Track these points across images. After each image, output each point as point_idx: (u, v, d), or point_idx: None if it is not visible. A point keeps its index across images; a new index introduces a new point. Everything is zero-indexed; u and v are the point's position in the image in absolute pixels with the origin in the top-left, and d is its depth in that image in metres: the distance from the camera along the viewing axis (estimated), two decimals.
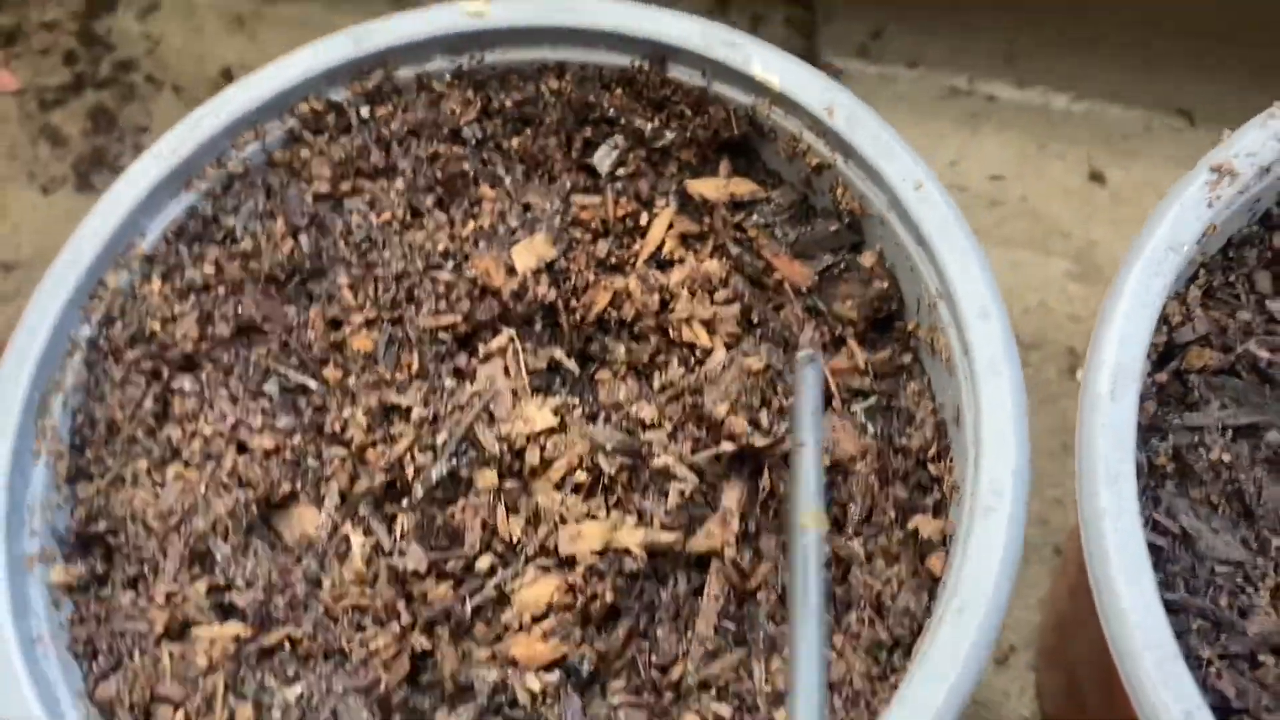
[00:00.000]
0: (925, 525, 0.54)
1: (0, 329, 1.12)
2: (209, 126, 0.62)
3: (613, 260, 0.65)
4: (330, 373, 0.62)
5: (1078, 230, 1.07)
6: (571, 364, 0.63)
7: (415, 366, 0.62)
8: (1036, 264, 1.05)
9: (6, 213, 1.18)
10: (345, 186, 0.65)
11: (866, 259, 0.61)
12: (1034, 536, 0.91)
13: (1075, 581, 0.74)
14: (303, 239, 0.64)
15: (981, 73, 1.13)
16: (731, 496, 0.55)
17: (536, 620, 0.55)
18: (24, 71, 1.26)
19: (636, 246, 0.65)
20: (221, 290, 0.63)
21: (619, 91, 0.66)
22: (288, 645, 0.55)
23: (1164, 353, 0.57)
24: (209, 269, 0.63)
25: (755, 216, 0.64)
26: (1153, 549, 0.50)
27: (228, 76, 1.24)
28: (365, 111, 0.66)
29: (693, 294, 0.62)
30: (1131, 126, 1.11)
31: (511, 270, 0.63)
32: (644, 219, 0.65)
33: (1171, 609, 0.50)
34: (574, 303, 0.64)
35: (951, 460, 0.56)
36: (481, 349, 0.63)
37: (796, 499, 0.45)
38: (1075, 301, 1.03)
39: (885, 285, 0.60)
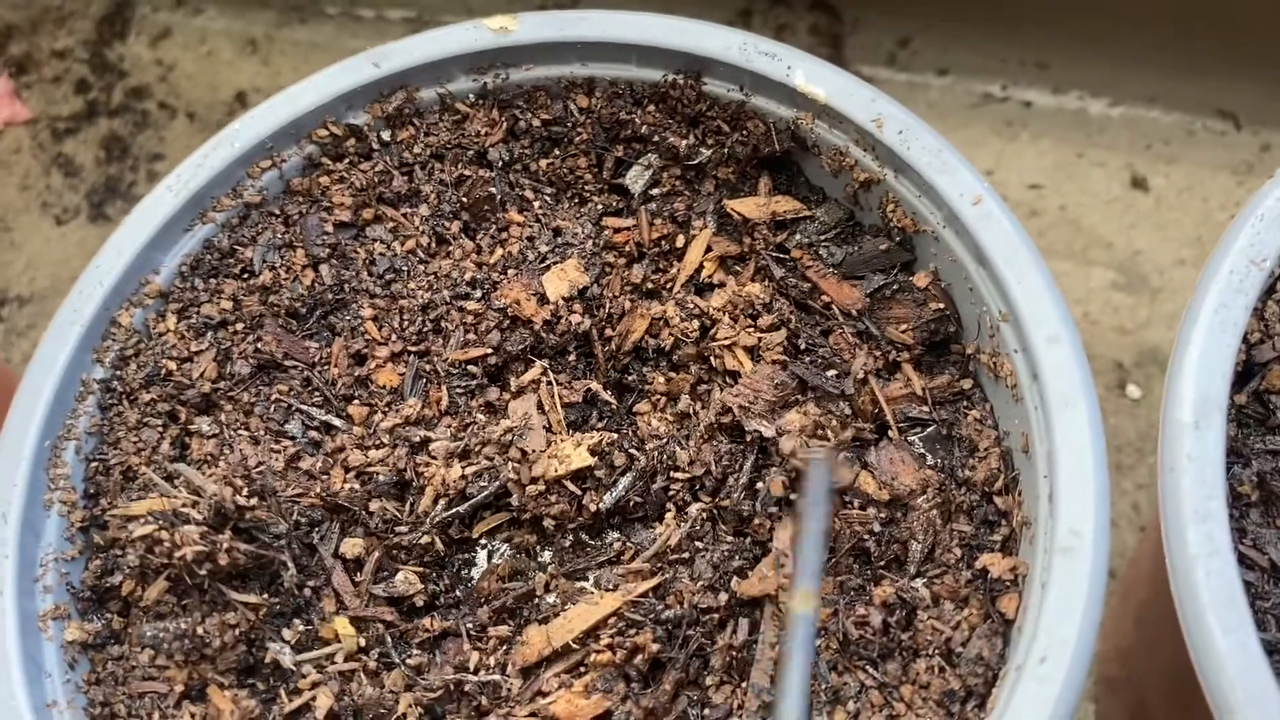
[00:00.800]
0: (994, 564, 0.51)
1: (16, 364, 1.10)
2: (223, 155, 0.60)
3: (649, 285, 0.62)
4: (355, 410, 0.59)
5: (1120, 239, 1.03)
6: (608, 396, 0.60)
7: (444, 402, 0.59)
8: (1079, 275, 1.01)
9: (20, 245, 1.16)
10: (367, 214, 0.62)
11: (920, 279, 0.57)
12: None
13: (1142, 611, 0.70)
14: (323, 270, 0.61)
15: (1015, 79, 1.10)
16: (783, 537, 0.51)
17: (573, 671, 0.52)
18: (36, 101, 1.24)
19: (673, 270, 0.62)
20: (240, 326, 0.60)
21: (651, 108, 0.62)
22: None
23: (1242, 372, 0.53)
24: (226, 304, 0.60)
25: (798, 236, 0.61)
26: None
27: (241, 101, 1.22)
28: (386, 135, 0.63)
29: (735, 319, 0.59)
30: (1173, 131, 1.07)
31: (543, 299, 0.60)
32: (680, 241, 0.62)
33: (1265, 649, 0.46)
34: (609, 331, 0.61)
35: (1020, 494, 0.52)
36: (513, 382, 0.59)
37: (793, 580, 0.49)
38: (1121, 313, 1.00)
39: (941, 306, 0.57)
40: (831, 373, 0.57)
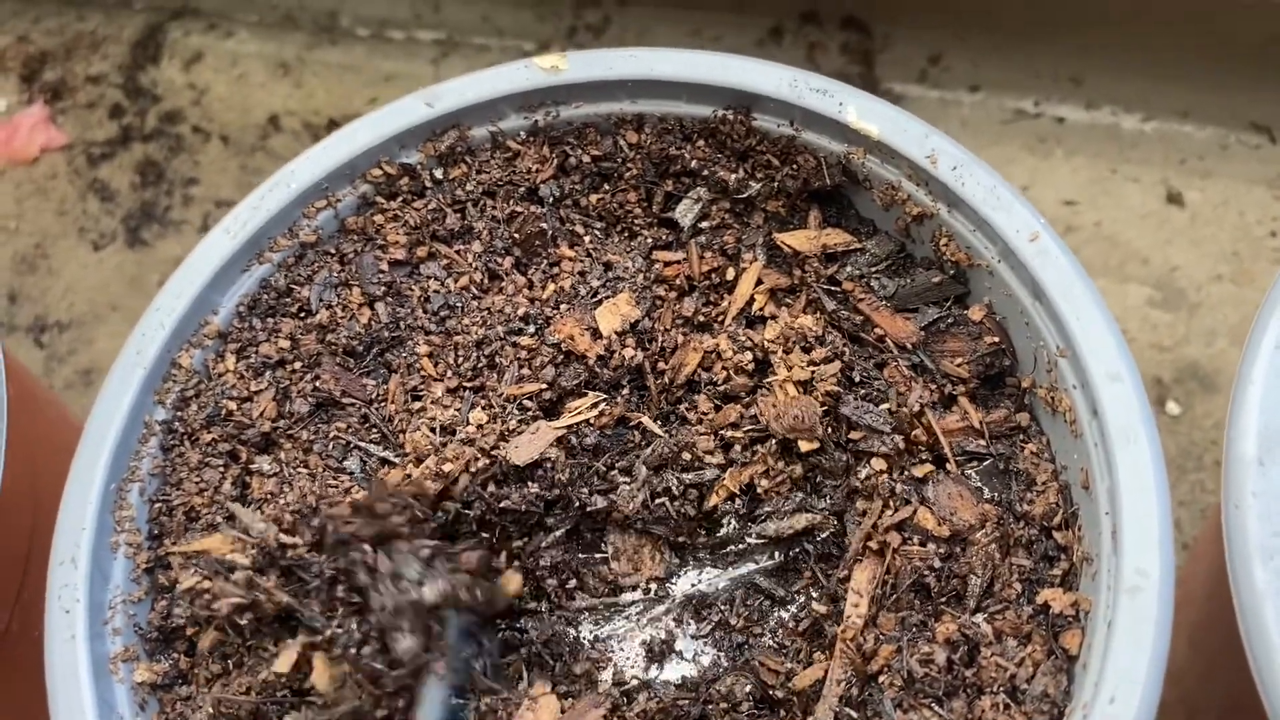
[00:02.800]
0: (1056, 599, 0.51)
1: (59, 389, 1.11)
2: (280, 196, 0.60)
3: (700, 318, 0.62)
4: (411, 445, 0.59)
5: (1157, 255, 1.03)
6: (659, 430, 0.60)
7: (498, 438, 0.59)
8: (1115, 292, 1.01)
9: (58, 270, 1.17)
10: (421, 251, 0.63)
11: (975, 312, 0.58)
12: None
13: (1195, 633, 0.70)
14: (379, 308, 0.61)
15: (1048, 94, 1.10)
16: (861, 577, 0.52)
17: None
18: (71, 126, 1.25)
19: (724, 303, 0.62)
20: (298, 365, 0.60)
21: (701, 143, 0.63)
22: None
23: None
24: (284, 343, 0.60)
25: (849, 268, 0.61)
26: None
27: (274, 124, 1.23)
28: (439, 173, 0.63)
29: (788, 352, 0.59)
30: (1207, 145, 1.07)
31: (596, 333, 0.60)
32: (730, 274, 0.63)
33: None
34: (662, 365, 0.61)
35: (1080, 529, 0.52)
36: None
37: None
38: (1159, 329, 1.00)
39: (996, 340, 0.57)
40: (884, 406, 0.57)
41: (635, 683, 0.56)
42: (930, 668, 0.50)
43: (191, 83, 1.26)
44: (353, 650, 0.51)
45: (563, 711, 0.53)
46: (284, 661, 0.51)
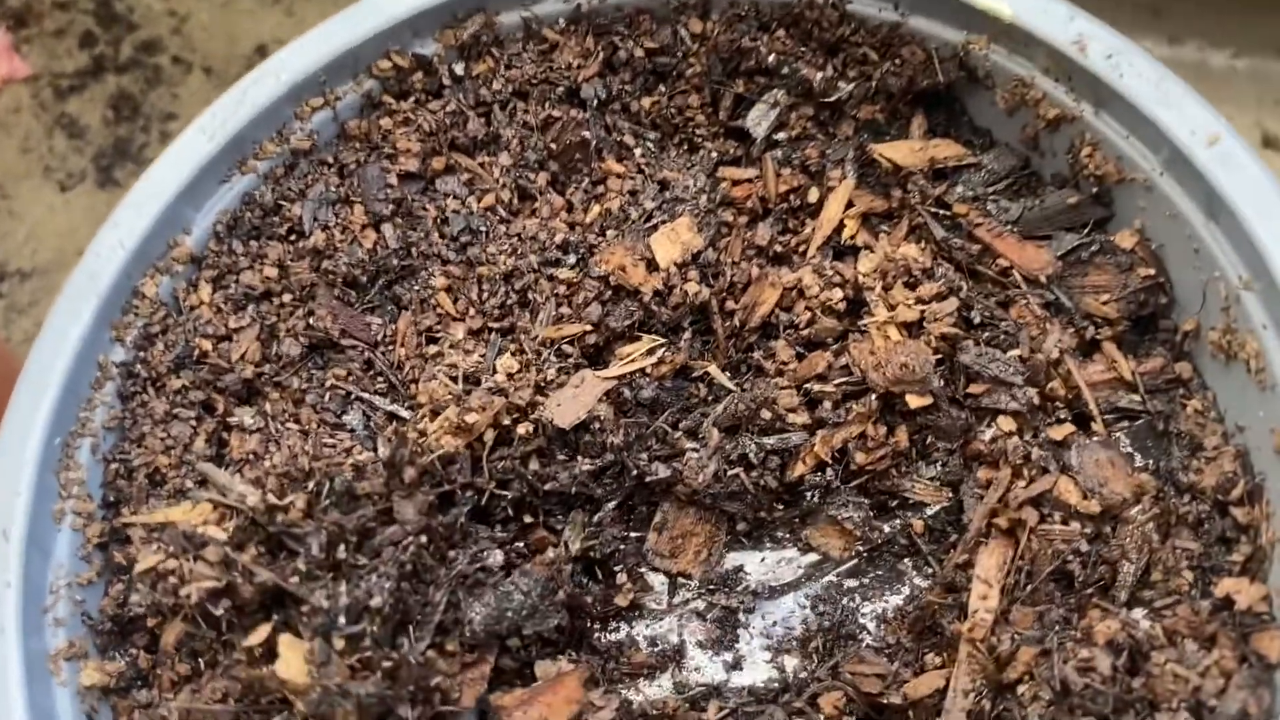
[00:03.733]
0: (1240, 591, 0.41)
1: (17, 344, 1.01)
2: (267, 91, 0.51)
3: (776, 249, 0.53)
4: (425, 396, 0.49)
5: None
6: (729, 382, 0.50)
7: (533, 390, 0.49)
8: None
9: (21, 214, 1.08)
10: (437, 163, 0.55)
11: (1124, 238, 0.48)
12: None
13: None
14: (386, 230, 0.53)
15: (1126, 28, 0.98)
16: (990, 562, 0.42)
17: None
18: (37, 56, 1.16)
19: (806, 230, 0.53)
20: (288, 298, 0.53)
21: (780, 33, 0.54)
22: None
23: None
24: (271, 271, 0.52)
25: (960, 188, 0.52)
26: None
27: (263, 55, 1.13)
28: (460, 68, 0.55)
29: (888, 288, 0.49)
30: None
31: (651, 264, 0.51)
32: (814, 195, 0.54)
33: None
34: (731, 303, 0.51)
35: (1269, 504, 0.42)
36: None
37: None
38: None
39: (1152, 272, 0.47)
40: (1013, 353, 0.47)
41: (700, 690, 0.46)
42: (1091, 677, 0.40)
43: (171, 9, 1.18)
44: (354, 624, 0.40)
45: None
46: (257, 635, 0.41)
